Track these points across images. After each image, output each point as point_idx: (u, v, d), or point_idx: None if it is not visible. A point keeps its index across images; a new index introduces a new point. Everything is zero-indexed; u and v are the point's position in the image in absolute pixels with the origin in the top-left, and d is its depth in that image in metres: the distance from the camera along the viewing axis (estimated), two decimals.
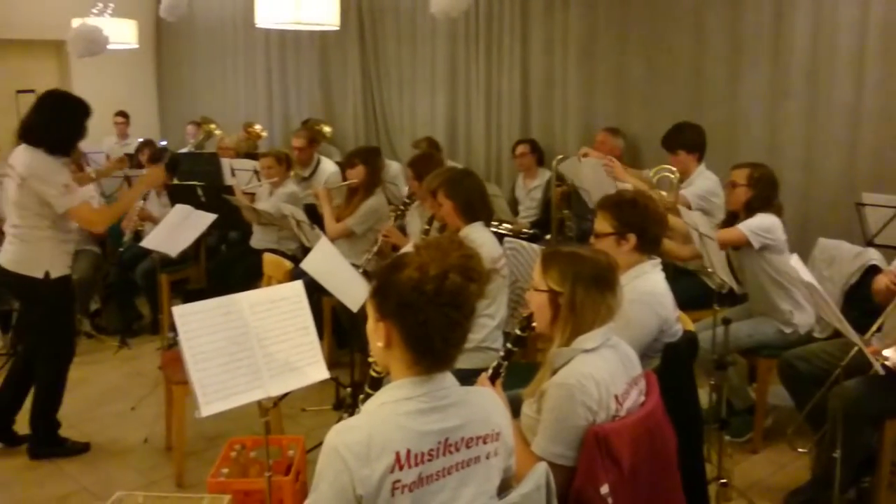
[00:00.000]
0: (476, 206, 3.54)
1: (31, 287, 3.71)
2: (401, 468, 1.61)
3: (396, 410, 1.66)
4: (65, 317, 3.89)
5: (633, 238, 2.79)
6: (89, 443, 3.97)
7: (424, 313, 1.64)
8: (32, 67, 9.84)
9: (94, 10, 7.37)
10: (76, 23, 6.87)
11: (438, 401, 1.68)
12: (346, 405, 4.08)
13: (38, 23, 9.19)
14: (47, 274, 3.68)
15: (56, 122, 3.66)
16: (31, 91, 9.63)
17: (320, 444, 1.66)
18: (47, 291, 3.71)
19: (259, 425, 3.89)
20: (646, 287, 2.75)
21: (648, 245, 2.84)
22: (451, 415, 1.69)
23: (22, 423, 3.95)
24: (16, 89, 9.59)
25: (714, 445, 3.41)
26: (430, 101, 7.04)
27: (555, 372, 2.15)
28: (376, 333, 1.74)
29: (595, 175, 4.52)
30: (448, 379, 1.73)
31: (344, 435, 1.62)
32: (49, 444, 3.87)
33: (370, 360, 1.99)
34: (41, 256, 3.68)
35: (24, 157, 3.62)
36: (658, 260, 2.89)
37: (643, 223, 2.80)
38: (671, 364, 2.68)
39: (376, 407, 1.70)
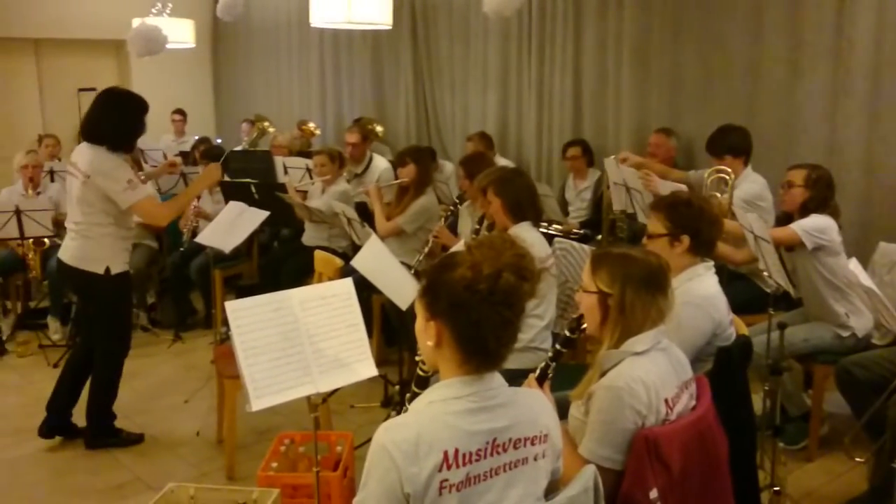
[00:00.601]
0: (525, 206, 3.53)
1: (91, 282, 3.78)
2: (448, 467, 1.61)
3: (445, 409, 1.66)
4: (122, 312, 3.97)
5: (686, 240, 2.75)
6: (143, 434, 4.05)
7: (477, 312, 1.63)
8: (93, 66, 10.09)
9: (154, 10, 7.54)
10: (136, 23, 7.03)
11: (487, 401, 1.68)
12: (394, 403, 4.10)
13: (99, 23, 9.42)
14: (107, 270, 3.76)
15: (116, 119, 3.73)
16: (93, 89, 9.85)
17: (368, 440, 1.67)
18: (107, 287, 3.79)
19: (308, 421, 3.95)
20: (699, 290, 2.71)
21: (702, 247, 2.79)
22: (500, 415, 1.68)
23: (78, 416, 4.04)
24: (77, 88, 9.86)
25: (767, 452, 3.34)
26: (481, 100, 7.02)
27: (603, 374, 2.13)
28: (426, 332, 1.73)
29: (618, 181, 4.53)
30: (497, 379, 1.72)
31: (392, 433, 1.63)
32: (105, 434, 3.96)
33: (418, 358, 1.99)
34: (102, 253, 3.76)
35: (87, 154, 3.70)
36: (712, 263, 2.85)
37: (697, 225, 2.75)
38: (724, 368, 2.63)
39: (425, 405, 1.70)
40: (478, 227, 3.86)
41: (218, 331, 5.02)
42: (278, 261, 5.72)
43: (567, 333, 2.33)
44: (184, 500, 2.91)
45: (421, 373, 2.05)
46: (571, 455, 2.07)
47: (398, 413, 3.80)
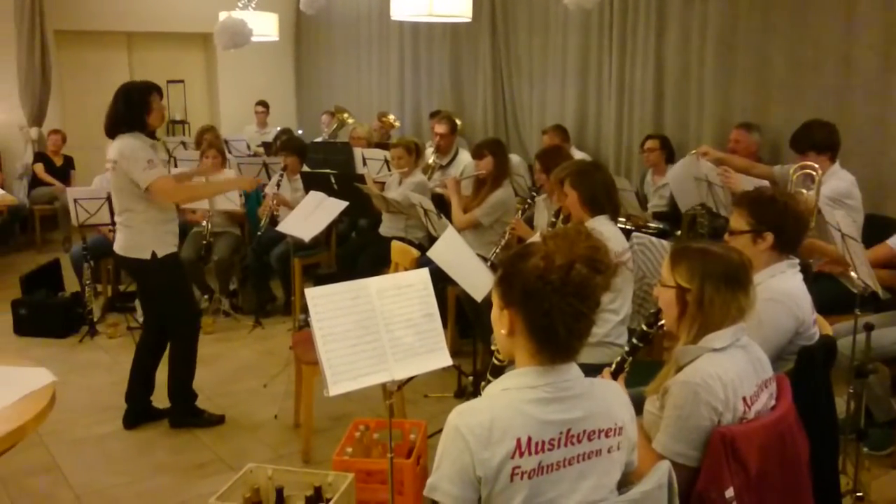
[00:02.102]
0: (602, 199, 3.50)
1: (141, 268, 3.95)
2: (521, 455, 1.62)
3: (519, 397, 1.67)
4: (180, 291, 4.09)
5: (770, 237, 2.68)
6: (224, 416, 4.17)
7: (549, 302, 1.63)
8: (181, 58, 10.43)
9: (240, 4, 7.72)
10: (222, 16, 7.21)
11: (561, 391, 1.68)
12: (468, 394, 4.13)
13: (187, 16, 9.72)
14: (154, 254, 3.89)
15: (123, 105, 3.88)
16: (181, 81, 10.28)
17: (441, 430, 1.69)
18: (156, 270, 3.92)
19: (382, 408, 4.02)
20: (781, 286, 2.64)
21: (787, 245, 2.72)
22: (574, 406, 1.68)
23: (157, 397, 4.19)
24: (166, 79, 10.23)
25: (850, 457, 3.24)
26: (560, 93, 6.98)
27: (680, 369, 2.10)
28: (500, 321, 1.75)
29: (684, 177, 4.42)
30: (573, 370, 1.72)
31: (466, 416, 1.65)
32: (188, 413, 4.10)
33: (493, 348, 2.00)
34: (145, 238, 3.90)
35: (113, 145, 3.88)
36: (796, 260, 2.77)
37: (782, 221, 2.68)
38: (806, 368, 2.56)
39: (500, 392, 1.71)
40: (554, 219, 3.84)
41: (296, 318, 5.13)
42: (356, 250, 5.81)
43: (644, 328, 2.31)
44: (262, 480, 2.99)
45: (497, 362, 2.07)
46: (645, 449, 2.05)
47: None
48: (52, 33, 8.95)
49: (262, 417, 4.24)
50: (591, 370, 2.26)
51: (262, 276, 6.09)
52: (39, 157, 8.52)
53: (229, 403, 4.30)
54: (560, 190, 3.55)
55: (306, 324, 5.44)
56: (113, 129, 3.89)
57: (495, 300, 1.77)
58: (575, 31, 6.74)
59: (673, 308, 2.16)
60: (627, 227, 4.89)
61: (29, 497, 3.47)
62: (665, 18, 5.99)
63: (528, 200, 4.67)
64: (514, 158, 6.50)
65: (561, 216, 3.79)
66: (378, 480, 3.15)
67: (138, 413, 4.15)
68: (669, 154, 5.80)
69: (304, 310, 5.46)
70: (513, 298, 1.70)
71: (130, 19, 9.62)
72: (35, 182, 8.45)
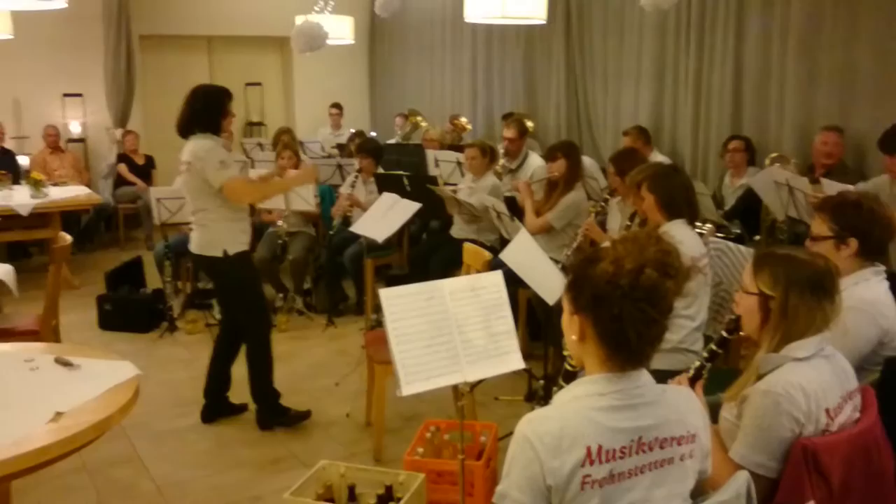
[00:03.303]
0: (679, 203, 3.44)
1: (214, 266, 4.03)
2: (591, 463, 1.60)
3: (589, 405, 1.65)
4: (250, 289, 4.14)
5: (854, 243, 2.59)
6: (310, 410, 4.21)
7: (618, 307, 1.61)
8: (258, 62, 10.66)
9: (316, 8, 7.84)
10: (299, 20, 7.34)
11: (632, 398, 1.66)
12: (539, 397, 4.11)
13: (264, 20, 9.93)
14: (225, 252, 3.96)
15: (198, 107, 3.96)
16: (258, 84, 10.52)
17: (512, 432, 1.69)
18: (228, 268, 4.00)
19: (452, 410, 4.04)
20: (866, 294, 2.55)
21: (871, 251, 2.63)
22: (646, 413, 1.66)
23: (235, 392, 4.29)
24: (244, 82, 10.49)
25: None
26: (634, 95, 6.90)
27: (760, 378, 2.05)
28: (571, 327, 1.73)
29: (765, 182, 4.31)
30: (644, 377, 1.70)
31: (535, 425, 1.64)
32: (274, 413, 4.16)
33: (565, 353, 1.99)
34: (217, 236, 3.97)
35: (187, 147, 3.96)
36: (882, 267, 2.67)
37: (866, 227, 2.59)
38: (892, 379, 2.47)
39: (569, 400, 1.70)
40: (629, 223, 3.80)
41: (368, 317, 5.19)
42: (427, 252, 5.84)
43: (724, 334, 2.26)
44: (334, 477, 3.04)
45: (569, 367, 2.05)
46: (721, 458, 2.01)
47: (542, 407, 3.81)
48: (137, 38, 9.26)
49: (334, 415, 4.31)
50: (666, 376, 2.24)
51: (336, 275, 6.18)
52: (122, 157, 8.82)
53: (302, 401, 4.37)
54: (636, 193, 3.50)
55: (378, 324, 5.51)
56: (186, 130, 3.98)
57: (565, 305, 1.76)
58: (651, 33, 6.65)
59: (755, 315, 2.11)
60: (703, 231, 4.80)
61: (112, 486, 3.59)
62: (745, 19, 5.86)
63: (601, 203, 4.63)
64: (587, 161, 6.44)
65: (636, 220, 3.74)
66: (448, 481, 3.17)
67: (216, 408, 4.25)
68: (751, 157, 5.67)
69: (376, 310, 5.55)
70: (582, 304, 1.69)
71: (211, 24, 9.88)
72: (119, 182, 8.75)
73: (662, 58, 6.61)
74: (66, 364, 2.76)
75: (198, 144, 3.91)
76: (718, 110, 6.13)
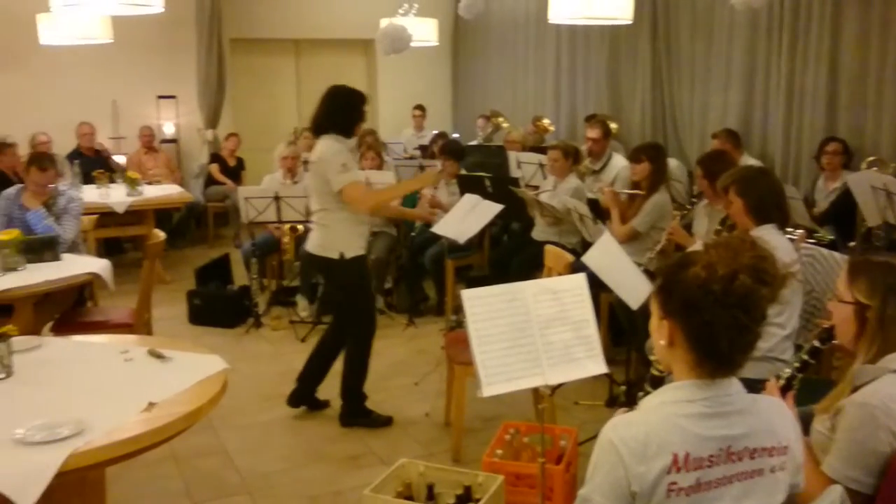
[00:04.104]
0: (769, 207, 3.34)
1: (329, 267, 4.08)
2: (678, 470, 1.57)
3: (676, 412, 1.62)
4: (362, 294, 4.19)
5: None
6: (392, 417, 4.25)
7: (710, 313, 1.58)
8: (344, 64, 10.82)
9: (401, 11, 7.93)
10: (384, 23, 7.43)
11: (722, 406, 1.62)
12: (619, 403, 4.05)
13: (350, 23, 10.09)
14: (342, 255, 4.00)
15: (336, 109, 4.01)
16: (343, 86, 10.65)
17: (592, 438, 1.68)
18: (343, 271, 4.04)
19: (531, 413, 4.03)
20: None
21: None
22: (736, 422, 1.62)
23: (323, 390, 4.37)
24: (329, 84, 10.63)
25: None
26: (723, 97, 6.73)
27: (856, 389, 1.98)
28: (659, 331, 1.70)
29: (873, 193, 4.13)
30: (734, 385, 1.66)
31: (621, 430, 1.62)
32: (358, 414, 4.21)
33: (652, 358, 1.96)
34: (336, 239, 4.02)
35: (318, 146, 4.03)
36: None
37: None
38: None
39: (656, 405, 1.67)
40: (719, 227, 3.70)
41: (448, 318, 5.21)
42: (508, 254, 5.83)
43: (816, 344, 2.19)
44: (413, 475, 3.06)
45: (656, 372, 2.02)
46: (814, 471, 1.95)
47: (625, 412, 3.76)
48: (227, 41, 9.53)
49: (413, 414, 4.34)
50: (754, 385, 2.18)
51: (416, 275, 6.23)
52: (215, 157, 9.08)
53: (383, 399, 4.42)
54: (725, 197, 3.42)
55: (458, 325, 5.53)
56: (320, 128, 4.04)
57: (654, 309, 1.73)
58: (741, 32, 6.49)
59: (850, 325, 2.04)
60: (793, 237, 4.65)
61: (199, 476, 3.71)
62: (841, 18, 5.65)
63: (687, 206, 4.54)
64: (673, 163, 6.33)
65: (727, 224, 3.65)
66: (527, 484, 3.15)
67: (302, 396, 4.32)
68: (847, 160, 5.47)
69: (456, 311, 5.57)
70: (672, 308, 1.66)
71: (298, 27, 10.09)
72: (209, 181, 9.01)
73: (753, 58, 6.43)
74: (159, 356, 2.86)
75: (326, 145, 3.97)
76: (812, 112, 5.93)
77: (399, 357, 5.27)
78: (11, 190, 4.93)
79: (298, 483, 3.62)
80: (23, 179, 5.44)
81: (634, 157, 4.93)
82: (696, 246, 3.41)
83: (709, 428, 1.60)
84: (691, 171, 6.27)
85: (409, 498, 3.00)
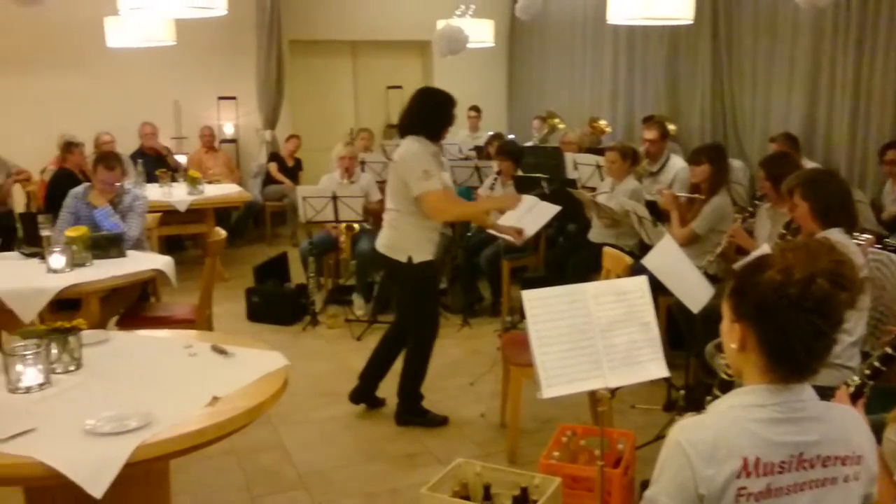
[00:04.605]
0: (836, 211, 3.26)
1: (397, 269, 4.07)
2: (748, 475, 1.55)
3: (747, 416, 1.60)
4: (427, 299, 4.20)
5: None
6: (447, 417, 4.26)
7: (785, 318, 1.55)
8: (400, 65, 10.89)
9: (457, 12, 7.95)
10: (440, 24, 7.45)
11: (794, 412, 1.59)
12: (678, 408, 4.00)
13: (407, 25, 10.14)
14: (410, 259, 4.01)
15: (427, 112, 4.03)
16: (399, 87, 10.74)
17: (649, 442, 1.66)
18: (409, 275, 4.04)
19: (586, 415, 4.00)
20: None
21: None
22: (808, 429, 1.59)
23: (382, 388, 4.40)
24: (386, 85, 10.75)
25: None
26: (786, 98, 6.60)
27: None
28: (731, 335, 1.68)
29: None
30: (807, 391, 1.63)
31: (689, 432, 1.60)
32: (414, 413, 4.23)
33: (722, 361, 1.93)
34: (406, 242, 4.02)
35: (402, 145, 4.03)
36: None
37: None
38: None
39: (726, 409, 1.65)
40: (784, 231, 3.63)
41: (504, 319, 5.20)
42: (564, 255, 5.80)
43: (889, 351, 2.13)
44: (470, 475, 3.06)
45: (725, 376, 1.99)
46: (886, 482, 1.89)
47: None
48: (286, 43, 9.66)
49: (468, 414, 4.34)
50: (823, 393, 2.13)
51: (471, 276, 6.23)
52: (273, 157, 9.22)
53: (438, 398, 4.43)
54: (790, 200, 3.35)
55: (513, 326, 5.52)
56: (406, 129, 4.05)
57: (726, 313, 1.70)
58: (805, 32, 6.35)
59: None
60: (860, 241, 4.54)
61: (258, 470, 3.77)
62: None
63: (749, 209, 4.45)
64: (736, 164, 6.23)
65: (791, 228, 3.58)
66: (584, 487, 3.13)
67: (364, 393, 4.35)
68: None
69: (511, 311, 5.56)
70: (745, 312, 1.63)
71: (356, 29, 10.18)
72: (267, 180, 9.15)
73: (817, 59, 6.29)
74: (222, 352, 2.91)
75: (409, 147, 3.97)
76: (879, 114, 5.78)
77: (454, 357, 5.27)
78: (79, 188, 5.06)
79: (355, 480, 3.66)
80: (89, 178, 5.60)
81: (694, 158, 4.86)
82: (764, 249, 3.35)
83: (780, 434, 1.57)
84: (752, 174, 6.16)
85: (466, 498, 3.01)
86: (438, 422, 4.21)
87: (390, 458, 3.86)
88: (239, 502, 3.51)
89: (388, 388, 4.33)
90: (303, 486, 3.61)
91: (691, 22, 5.43)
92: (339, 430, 4.21)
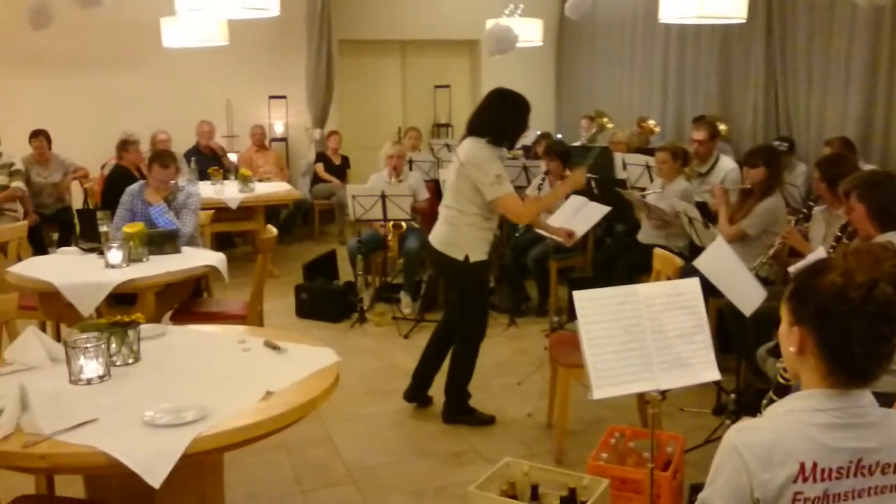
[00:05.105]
0: (893, 213, 3.20)
1: (451, 267, 4.08)
2: (804, 480, 1.53)
3: (805, 420, 1.58)
4: (479, 298, 4.20)
5: None
6: (494, 416, 4.26)
7: (846, 322, 1.53)
8: (448, 64, 10.93)
9: (506, 11, 7.94)
10: (489, 23, 7.45)
11: (853, 418, 1.57)
12: (729, 411, 3.95)
13: (455, 24, 10.17)
14: (466, 257, 4.01)
15: (503, 116, 3.99)
16: (447, 86, 10.77)
17: (698, 446, 1.65)
18: (464, 273, 4.05)
19: (634, 417, 3.98)
20: None
21: None
22: (868, 435, 1.56)
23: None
24: (433, 84, 10.79)
25: None
26: (842, 99, 6.46)
27: None
28: (789, 338, 1.66)
29: None
30: (866, 396, 1.60)
31: (745, 435, 1.59)
32: (460, 411, 4.24)
33: (779, 365, 1.91)
34: (463, 240, 4.02)
35: (468, 146, 3.99)
36: None
37: None
38: None
39: (783, 413, 1.63)
40: (839, 234, 3.57)
41: (551, 319, 5.19)
42: (612, 256, 5.76)
43: None
44: (518, 475, 3.07)
45: (781, 380, 1.97)
46: None
47: (732, 423, 3.66)
48: (336, 42, 9.75)
49: (515, 414, 4.35)
50: (882, 399, 2.09)
51: (518, 275, 6.23)
52: (320, 156, 9.31)
53: (485, 398, 4.44)
54: (846, 202, 3.29)
55: (560, 326, 5.51)
56: (476, 129, 3.99)
57: (785, 316, 1.68)
58: (863, 31, 6.21)
59: None
60: None
61: (307, 465, 3.82)
62: None
63: (804, 210, 4.38)
64: (802, 167, 6.13)
65: (847, 230, 3.52)
66: (632, 490, 3.12)
67: (418, 391, 4.37)
68: None
69: (559, 312, 5.54)
70: (805, 315, 1.61)
71: (404, 28, 10.24)
72: (316, 179, 9.25)
73: (876, 59, 6.14)
74: (274, 347, 2.96)
75: (478, 150, 3.92)
76: None
77: (501, 357, 5.28)
78: (135, 186, 5.18)
79: (402, 477, 3.69)
80: (144, 175, 5.72)
81: (750, 161, 4.78)
82: (819, 252, 3.30)
83: (838, 439, 1.55)
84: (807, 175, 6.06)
85: (514, 497, 3.01)
86: (485, 421, 4.22)
87: (437, 456, 3.89)
88: (289, 496, 3.56)
89: (435, 387, 4.35)
90: (352, 482, 3.65)
91: (744, 20, 5.36)
92: (386, 426, 4.24)
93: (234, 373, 2.76)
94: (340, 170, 9.25)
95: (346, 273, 6.62)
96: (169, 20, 7.15)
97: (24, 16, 6.41)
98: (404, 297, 6.14)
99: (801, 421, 1.58)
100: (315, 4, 9.30)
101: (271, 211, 8.03)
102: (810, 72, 6.79)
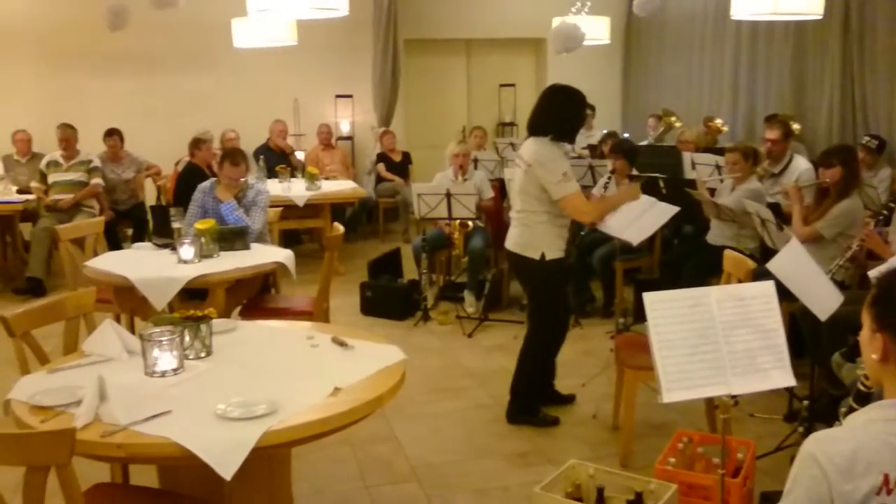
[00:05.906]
0: None
1: (528, 267, 4.07)
2: (888, 492, 1.48)
3: (888, 430, 1.53)
4: (556, 296, 4.18)
5: None
6: (559, 418, 4.23)
7: None
8: (513, 63, 10.89)
9: (573, 9, 7.87)
10: (556, 21, 7.39)
11: None
12: (801, 418, 3.84)
13: (521, 23, 10.13)
14: (542, 256, 4.00)
15: (560, 112, 3.99)
16: (512, 85, 10.73)
17: (768, 453, 1.60)
18: (541, 272, 4.04)
19: (701, 421, 3.91)
20: None
21: None
22: None
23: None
24: (498, 83, 10.77)
25: None
26: None
27: None
28: (871, 345, 1.60)
29: None
30: None
31: (825, 444, 1.54)
32: (526, 412, 4.22)
33: (860, 372, 1.85)
34: (538, 239, 4.01)
35: (531, 146, 3.99)
36: None
37: None
38: None
39: (864, 422, 1.58)
40: None
41: (617, 321, 5.13)
42: (680, 257, 5.67)
43: None
44: (583, 477, 3.04)
45: (863, 388, 1.90)
46: None
47: (805, 431, 3.57)
48: (402, 42, 9.81)
49: (580, 416, 4.31)
50: None
51: (584, 276, 6.17)
52: (381, 156, 9.38)
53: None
54: None
55: (626, 328, 5.43)
56: (537, 129, 4.01)
57: (867, 322, 1.63)
58: None
59: None
60: None
61: (372, 461, 3.85)
62: None
63: (884, 212, 4.24)
64: (886, 171, 5.94)
65: None
66: (700, 495, 3.06)
67: (541, 396, 4.30)
68: None
69: (624, 313, 5.47)
70: (889, 322, 1.56)
71: (470, 27, 10.24)
72: (380, 177, 9.32)
73: None
74: (342, 344, 2.98)
75: (544, 150, 3.93)
76: None
77: (566, 358, 5.18)
78: (206, 183, 5.28)
79: (466, 476, 3.68)
80: (215, 173, 5.84)
81: (825, 160, 4.63)
82: None
83: None
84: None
85: (579, 499, 2.98)
86: (550, 422, 4.19)
87: (502, 456, 3.87)
88: (354, 491, 3.59)
89: (500, 387, 4.33)
90: (415, 479, 3.67)
91: (821, 16, 5.21)
92: (450, 425, 4.25)
93: (303, 368, 2.80)
94: (402, 166, 9.30)
95: (410, 271, 6.65)
96: (240, 21, 7.28)
97: (101, 18, 6.62)
98: (468, 296, 6.14)
99: (885, 431, 1.53)
100: (382, 4, 9.37)
101: (337, 209, 8.12)
102: (890, 68, 6.57)
